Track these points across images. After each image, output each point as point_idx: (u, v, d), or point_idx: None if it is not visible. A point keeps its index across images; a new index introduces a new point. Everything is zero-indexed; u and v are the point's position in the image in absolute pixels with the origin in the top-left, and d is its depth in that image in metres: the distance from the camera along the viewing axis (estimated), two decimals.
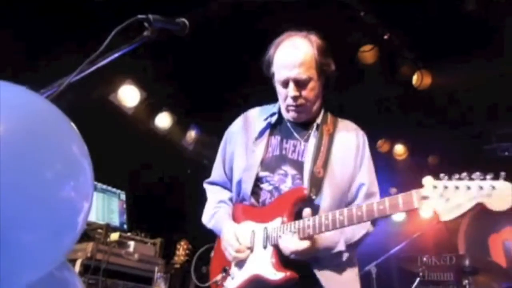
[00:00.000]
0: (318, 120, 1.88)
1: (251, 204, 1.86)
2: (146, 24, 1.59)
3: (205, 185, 2.11)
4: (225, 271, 1.86)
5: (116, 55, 1.70)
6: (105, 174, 3.60)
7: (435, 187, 1.43)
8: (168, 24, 1.64)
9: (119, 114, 4.03)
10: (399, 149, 5.55)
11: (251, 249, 1.78)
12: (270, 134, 1.90)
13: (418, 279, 4.16)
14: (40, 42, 3.17)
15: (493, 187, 1.33)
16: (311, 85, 1.78)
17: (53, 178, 0.84)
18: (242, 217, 1.87)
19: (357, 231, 1.75)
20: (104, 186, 3.60)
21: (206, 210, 2.01)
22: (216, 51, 3.79)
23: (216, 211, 1.95)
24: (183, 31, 1.67)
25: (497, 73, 4.27)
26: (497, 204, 1.32)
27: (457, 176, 1.41)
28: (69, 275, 1.12)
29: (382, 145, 5.35)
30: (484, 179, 1.36)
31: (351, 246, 1.75)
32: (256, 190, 1.84)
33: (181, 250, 3.62)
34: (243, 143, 1.93)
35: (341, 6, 3.47)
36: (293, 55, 1.77)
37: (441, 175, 1.45)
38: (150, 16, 1.57)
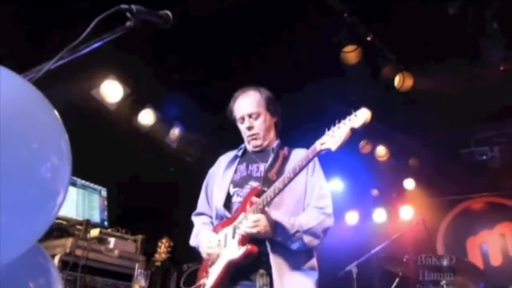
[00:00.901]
0: (274, 145, 2.32)
1: (225, 217, 2.21)
2: (128, 15, 1.58)
3: (193, 217, 2.48)
4: (207, 274, 2.13)
5: (97, 44, 1.69)
6: (86, 170, 3.55)
7: (327, 135, 1.91)
8: (151, 16, 1.64)
9: (102, 109, 3.98)
10: (381, 151, 5.63)
11: (223, 244, 2.10)
12: (238, 163, 2.35)
13: (397, 279, 4.23)
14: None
15: (356, 115, 1.83)
16: (261, 118, 2.29)
17: (29, 158, 0.83)
18: (218, 229, 2.22)
19: (311, 219, 2.07)
20: (85, 182, 3.55)
21: (192, 233, 2.38)
22: (203, 47, 3.79)
23: (199, 231, 2.34)
24: (166, 23, 1.67)
25: (476, 78, 4.37)
26: (359, 120, 1.80)
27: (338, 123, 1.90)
28: (44, 262, 1.10)
29: (364, 146, 5.42)
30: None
31: (307, 232, 2.03)
32: (228, 204, 2.23)
33: (163, 248, 3.59)
34: (219, 175, 2.38)
35: (325, 7, 3.52)
36: (246, 99, 2.32)
37: None
38: (133, 7, 1.56)
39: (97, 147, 3.79)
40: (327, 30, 3.74)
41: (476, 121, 5.02)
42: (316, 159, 2.23)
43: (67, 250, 2.81)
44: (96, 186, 3.63)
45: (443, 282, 3.97)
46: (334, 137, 1.86)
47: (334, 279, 4.31)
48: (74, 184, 3.45)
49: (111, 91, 3.92)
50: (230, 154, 2.47)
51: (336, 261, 4.65)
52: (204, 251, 2.17)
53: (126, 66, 3.97)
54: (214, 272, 2.08)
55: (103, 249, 3.08)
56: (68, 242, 2.85)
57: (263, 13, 3.53)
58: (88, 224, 2.96)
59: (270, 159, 2.27)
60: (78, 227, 3.03)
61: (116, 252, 3.13)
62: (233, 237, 2.08)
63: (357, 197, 6.10)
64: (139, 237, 3.42)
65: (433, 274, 4.07)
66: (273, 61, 3.94)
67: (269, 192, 2.00)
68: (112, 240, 3.18)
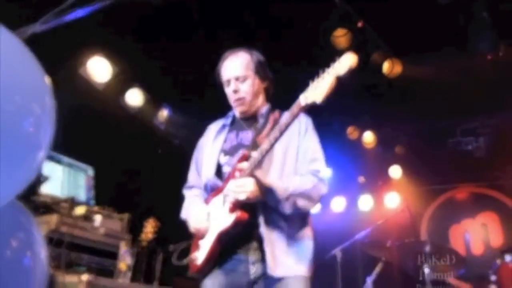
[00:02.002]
0: (263, 110, 2.19)
1: (215, 186, 2.09)
2: None
3: (183, 191, 2.37)
4: (199, 248, 2.04)
5: (84, 11, 1.67)
6: (72, 149, 3.53)
7: (312, 87, 1.76)
8: None
9: (89, 88, 3.94)
10: (368, 137, 5.67)
11: (213, 215, 2.01)
12: (228, 132, 2.22)
13: (380, 264, 4.30)
14: None
15: (340, 61, 1.71)
16: (249, 82, 2.14)
17: (12, 111, 0.82)
18: (209, 200, 2.11)
19: (305, 182, 1.97)
20: (71, 161, 3.53)
21: (183, 207, 2.26)
22: (194, 27, 3.75)
23: (189, 204, 2.23)
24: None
25: (464, 68, 4.42)
26: (343, 65, 1.69)
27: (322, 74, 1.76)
28: (25, 221, 1.10)
29: (352, 132, 5.46)
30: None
31: (300, 195, 1.93)
32: (219, 174, 2.11)
33: (149, 228, 3.60)
34: (207, 146, 2.25)
35: None
36: (234, 61, 2.17)
37: None
38: None
39: (84, 125, 3.76)
40: (317, 14, 3.74)
41: (463, 111, 5.08)
42: (310, 121, 2.17)
43: (52, 227, 2.80)
44: (82, 165, 3.61)
45: (425, 267, 4.05)
46: (318, 89, 1.73)
47: (318, 263, 4.37)
48: (59, 162, 3.42)
49: (99, 69, 3.88)
50: (219, 123, 2.33)
51: (321, 246, 4.68)
52: (191, 226, 2.09)
53: (114, 45, 3.92)
54: (206, 245, 2.00)
55: (89, 227, 3.08)
56: (53, 218, 2.84)
57: None
58: (73, 202, 2.94)
59: (259, 125, 2.14)
60: (63, 204, 3.01)
61: (101, 230, 3.13)
62: (223, 205, 1.99)
63: (343, 184, 6.15)
64: (125, 216, 3.42)
65: (415, 259, 4.15)
66: (262, 44, 3.93)
67: (256, 154, 1.89)
68: (98, 218, 3.17)
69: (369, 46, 4.12)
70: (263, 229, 1.90)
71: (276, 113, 2.13)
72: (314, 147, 2.10)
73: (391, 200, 6.10)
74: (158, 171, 4.60)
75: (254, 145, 2.00)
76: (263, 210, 1.93)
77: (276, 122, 2.05)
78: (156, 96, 4.53)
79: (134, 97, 4.32)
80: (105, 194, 3.83)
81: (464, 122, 5.56)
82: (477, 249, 5.80)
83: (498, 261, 3.93)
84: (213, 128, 2.33)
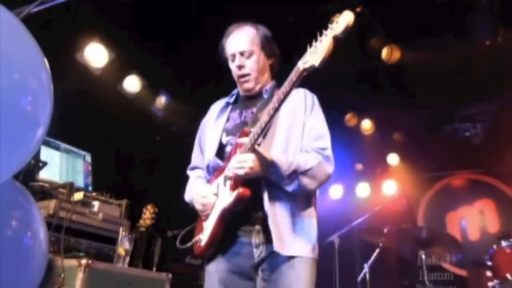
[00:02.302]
0: (267, 86, 2.11)
1: (217, 167, 2.03)
2: None
3: (187, 172, 2.32)
4: (203, 230, 2.00)
5: None
6: (71, 135, 3.53)
7: (310, 52, 1.67)
8: None
9: (86, 74, 3.91)
10: (366, 124, 5.67)
11: (217, 198, 1.95)
12: (231, 111, 2.15)
13: (378, 250, 4.35)
14: None
15: (337, 21, 1.64)
16: (254, 57, 2.06)
17: (10, 87, 0.82)
18: (212, 182, 2.06)
19: (310, 159, 1.88)
20: (69, 147, 3.51)
21: (186, 189, 2.22)
22: (189, 13, 3.72)
23: (193, 185, 2.18)
24: None
25: (463, 54, 4.40)
26: (340, 26, 1.62)
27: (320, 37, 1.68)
28: (23, 200, 1.10)
29: (350, 119, 5.46)
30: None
31: (305, 173, 1.85)
32: (221, 154, 2.04)
33: (147, 214, 3.61)
34: (210, 125, 2.19)
35: None
36: (240, 35, 2.09)
37: None
38: None
39: (81, 111, 3.75)
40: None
41: (461, 97, 5.08)
42: (316, 98, 2.09)
43: (50, 212, 2.80)
44: (80, 151, 3.60)
45: (421, 253, 4.09)
46: (316, 52, 1.64)
47: None
48: (57, 148, 3.41)
49: (96, 55, 3.85)
50: (222, 101, 2.25)
51: (319, 233, 4.73)
52: (198, 203, 2.01)
53: (111, 31, 3.89)
54: (209, 226, 1.95)
55: (87, 212, 3.08)
56: (52, 203, 2.84)
57: None
58: (72, 187, 2.94)
59: (263, 101, 2.04)
60: (61, 190, 3.01)
61: (100, 215, 3.13)
62: (225, 184, 1.92)
63: (341, 171, 6.13)
64: (124, 202, 3.42)
65: (411, 245, 4.19)
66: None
67: (256, 128, 1.81)
68: (96, 204, 3.18)
69: (367, 31, 4.10)
70: (267, 207, 1.83)
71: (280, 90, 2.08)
72: (320, 124, 2.02)
73: (388, 187, 6.13)
74: (156, 157, 4.61)
75: (255, 120, 1.92)
76: (267, 187, 1.86)
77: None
78: (153, 82, 4.51)
79: (132, 84, 4.30)
80: (103, 181, 3.83)
81: (462, 108, 5.56)
82: (474, 235, 5.85)
83: (495, 247, 3.96)
84: (216, 107, 2.26)
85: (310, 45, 1.67)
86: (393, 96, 5.10)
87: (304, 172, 1.84)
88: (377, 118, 5.69)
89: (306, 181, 1.85)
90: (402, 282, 4.96)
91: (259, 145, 1.85)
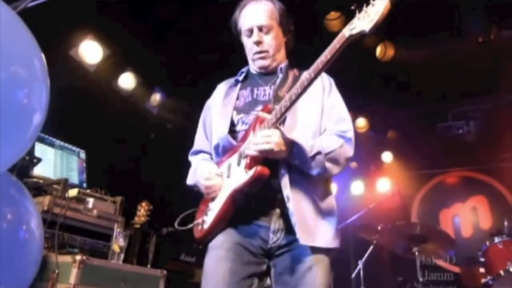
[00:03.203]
0: (282, 65, 1.98)
1: (229, 146, 1.88)
2: None
3: (190, 157, 2.15)
4: (206, 212, 1.83)
5: None
6: (65, 132, 3.52)
7: (358, 18, 1.54)
8: None
9: (81, 70, 3.90)
10: (360, 122, 5.71)
11: (226, 175, 1.80)
12: (241, 89, 2.00)
13: (372, 246, 4.37)
14: None
15: None
16: (273, 33, 1.94)
17: (7, 79, 0.82)
18: (220, 163, 1.90)
19: (332, 142, 1.77)
20: (63, 143, 3.51)
21: (190, 172, 2.05)
22: (188, 9, 3.71)
23: (197, 166, 2.00)
24: None
25: (456, 51, 4.44)
26: None
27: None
28: (16, 194, 1.10)
29: None
30: None
31: (328, 156, 1.72)
32: (232, 134, 1.88)
33: (142, 211, 3.61)
34: (217, 104, 2.02)
35: None
36: (257, 8, 1.96)
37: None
38: None
39: (76, 108, 3.74)
40: None
41: (454, 95, 5.12)
42: (332, 80, 1.97)
43: (45, 208, 2.79)
44: (74, 148, 3.59)
45: (415, 249, 4.12)
46: (367, 16, 1.49)
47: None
48: (52, 145, 3.41)
49: (90, 51, 3.84)
50: (230, 81, 2.10)
51: None
52: (203, 184, 1.82)
53: (106, 27, 3.88)
54: (215, 207, 1.77)
55: (82, 208, 3.08)
56: (46, 199, 2.83)
57: None
58: (66, 183, 2.93)
59: (278, 80, 1.93)
60: (56, 186, 3.01)
61: (94, 211, 3.13)
62: (239, 163, 1.75)
63: None
64: (118, 199, 3.42)
65: (405, 242, 4.21)
66: None
67: (283, 102, 1.65)
68: (90, 200, 3.17)
69: None
70: (288, 192, 1.68)
71: (296, 70, 1.97)
72: (340, 106, 1.91)
73: (382, 184, 6.17)
74: (151, 155, 4.60)
75: (277, 98, 1.81)
76: (288, 170, 1.71)
77: (295, 78, 1.87)
78: (148, 79, 4.50)
79: (127, 80, 4.29)
80: (98, 177, 3.83)
81: (455, 106, 5.60)
82: (467, 232, 5.91)
83: (487, 243, 4.00)
84: (223, 86, 2.11)
85: (359, 10, 1.53)
86: (387, 94, 5.12)
87: (327, 155, 1.71)
88: (371, 116, 5.72)
89: (329, 165, 1.72)
90: (396, 279, 4.99)
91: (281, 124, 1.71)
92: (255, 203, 1.73)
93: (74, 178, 3.49)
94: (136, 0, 3.69)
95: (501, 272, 3.67)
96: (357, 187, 6.39)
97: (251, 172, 1.65)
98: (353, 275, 4.36)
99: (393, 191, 5.58)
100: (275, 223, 1.72)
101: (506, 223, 4.05)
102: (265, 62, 1.96)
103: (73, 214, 2.99)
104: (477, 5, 3.68)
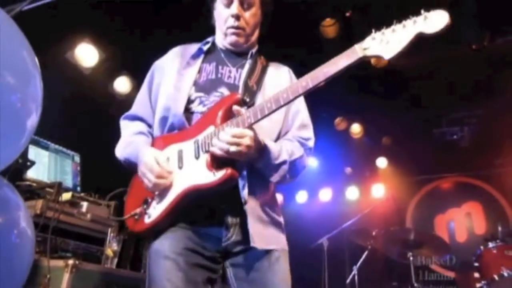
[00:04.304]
0: (253, 50, 1.84)
1: (179, 128, 1.68)
2: None
3: (122, 121, 1.90)
4: (146, 202, 1.63)
5: None
6: (60, 135, 3.51)
7: (373, 38, 1.44)
8: None
9: (77, 74, 3.90)
10: (355, 128, 5.73)
11: (180, 167, 1.60)
12: (204, 61, 1.80)
13: (366, 252, 4.38)
14: None
15: (426, 17, 1.38)
16: (253, 10, 1.78)
17: (1, 83, 0.82)
18: (164, 145, 1.67)
19: (295, 150, 1.69)
20: (58, 147, 3.49)
21: (119, 143, 1.82)
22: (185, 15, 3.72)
23: (132, 140, 1.76)
24: None
25: (450, 58, 4.47)
26: (433, 26, 1.36)
27: (391, 26, 1.44)
28: (11, 194, 1.10)
29: (340, 123, 5.50)
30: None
31: (291, 165, 1.65)
32: (187, 114, 1.68)
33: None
34: (172, 70, 1.78)
35: None
36: None
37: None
38: None
39: (73, 112, 3.73)
40: (306, 3, 3.74)
41: (449, 101, 5.15)
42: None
43: (37, 211, 2.77)
44: (69, 151, 3.58)
45: (409, 255, 4.12)
46: (387, 43, 1.38)
47: (305, 251, 4.44)
48: (46, 148, 3.39)
49: (86, 55, 3.85)
50: (191, 47, 1.86)
51: (309, 235, 4.78)
52: (152, 180, 1.56)
53: (102, 31, 3.88)
54: (165, 201, 1.57)
55: (75, 212, 3.05)
56: (39, 203, 2.80)
57: None
58: (60, 186, 2.92)
59: (247, 65, 1.78)
60: (49, 190, 2.99)
61: (88, 215, 3.11)
62: (197, 156, 1.57)
63: (331, 174, 6.22)
64: (112, 203, 3.40)
65: (399, 247, 4.22)
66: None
67: (267, 103, 1.49)
68: (84, 204, 3.15)
69: (356, 36, 4.14)
70: (245, 193, 1.57)
71: (263, 59, 1.86)
72: (305, 110, 1.81)
73: (377, 190, 6.19)
74: None
75: (247, 88, 1.67)
76: (248, 172, 1.59)
77: (264, 68, 1.78)
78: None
79: (122, 84, 4.29)
80: (93, 181, 3.81)
81: (450, 112, 5.64)
82: (461, 237, 5.93)
83: (482, 248, 4.02)
84: (181, 50, 1.86)
85: (375, 29, 1.43)
86: (382, 100, 5.15)
87: (290, 164, 1.64)
88: (366, 122, 5.75)
89: (289, 175, 1.65)
90: (391, 284, 4.99)
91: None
92: (207, 200, 1.58)
93: (68, 182, 3.47)
94: (133, 4, 3.69)
95: (495, 276, 3.67)
96: (352, 193, 6.40)
97: (220, 175, 1.49)
98: (348, 280, 4.35)
99: (388, 197, 5.59)
100: (228, 219, 1.60)
101: (500, 228, 4.07)
102: (238, 40, 1.78)
103: (67, 218, 2.96)
104: (471, 12, 3.71)
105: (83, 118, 3.91)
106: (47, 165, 3.33)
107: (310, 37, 3.82)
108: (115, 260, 3.19)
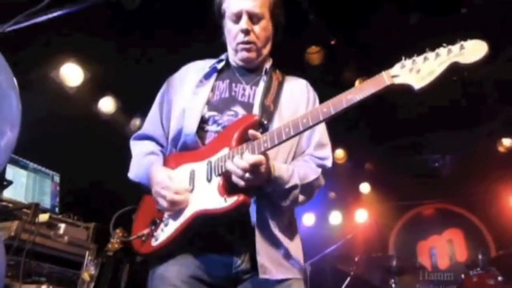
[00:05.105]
0: (267, 65, 1.79)
1: (192, 147, 1.63)
2: None
3: (133, 141, 1.87)
4: (155, 223, 1.59)
5: (56, 13, 1.66)
6: (40, 154, 3.44)
7: (403, 66, 1.35)
8: None
9: (60, 93, 3.87)
10: (339, 153, 5.78)
11: (191, 190, 1.55)
12: (217, 79, 1.76)
13: (349, 278, 4.34)
14: None
15: (462, 46, 1.28)
16: (263, 23, 1.71)
17: None
18: (176, 164, 1.63)
19: (310, 172, 1.61)
20: (37, 166, 3.42)
21: (131, 165, 1.79)
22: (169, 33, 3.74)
23: (143, 161, 1.72)
24: (132, 3, 1.65)
25: (433, 87, 4.58)
26: (470, 57, 1.27)
27: (423, 54, 1.35)
28: None
29: None
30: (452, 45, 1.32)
31: (304, 188, 1.57)
32: (200, 133, 1.63)
33: (116, 238, 3.52)
34: (185, 88, 1.75)
35: (292, 6, 3.59)
36: None
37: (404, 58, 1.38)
38: None
39: (53, 130, 3.68)
40: (291, 29, 3.81)
41: (430, 128, 5.25)
42: (317, 97, 1.77)
43: (12, 233, 2.69)
44: (48, 171, 3.51)
45: (391, 282, 4.11)
46: (418, 72, 1.31)
47: None
48: (25, 167, 3.32)
49: (71, 74, 3.83)
50: (205, 64, 1.82)
51: None
52: (169, 197, 1.51)
53: (88, 50, 3.88)
54: (174, 223, 1.53)
55: (52, 235, 2.97)
56: (14, 225, 2.73)
57: None
58: (37, 208, 2.84)
59: (262, 82, 1.72)
60: (26, 210, 2.91)
61: (65, 238, 3.03)
62: (209, 179, 1.52)
63: (314, 199, 6.20)
64: (92, 225, 3.33)
65: (382, 274, 4.21)
66: None
67: (286, 128, 1.41)
68: (62, 226, 3.08)
69: (340, 64, 4.23)
70: (255, 219, 1.51)
71: (278, 73, 1.79)
72: (323, 128, 1.72)
73: (360, 215, 6.20)
74: (127, 181, 4.51)
75: (264, 108, 1.61)
76: (258, 196, 1.53)
77: (280, 84, 1.72)
78: (129, 104, 4.48)
79: (107, 104, 4.27)
80: (73, 203, 3.73)
81: (432, 140, 5.74)
82: (443, 263, 5.95)
83: (463, 276, 4.03)
84: (195, 69, 1.82)
85: (405, 56, 1.36)
86: (365, 127, 5.22)
87: (303, 187, 1.56)
88: (349, 147, 5.81)
89: (302, 198, 1.58)
90: None
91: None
92: (217, 226, 1.53)
93: (46, 202, 3.39)
94: (119, 24, 3.71)
95: None
96: (335, 217, 6.40)
97: (231, 201, 1.43)
98: None
99: (371, 222, 5.61)
100: (238, 246, 1.53)
101: (480, 256, 4.10)
102: (250, 55, 1.72)
103: (43, 241, 2.88)
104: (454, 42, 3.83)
105: (66, 138, 3.85)
106: (24, 185, 3.26)
107: (294, 64, 3.88)
108: (92, 285, 3.10)
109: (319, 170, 1.64)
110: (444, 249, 6.03)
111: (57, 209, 3.44)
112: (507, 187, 5.47)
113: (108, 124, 4.35)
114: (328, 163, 1.69)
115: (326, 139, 1.74)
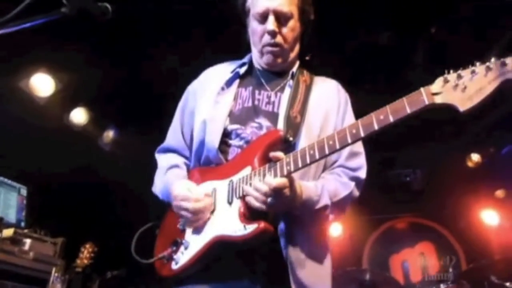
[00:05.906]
0: (294, 69, 1.65)
1: (217, 164, 1.53)
2: (64, 0, 1.53)
3: (157, 155, 1.77)
4: (176, 244, 1.50)
5: (26, 24, 1.62)
6: (8, 166, 3.33)
7: (446, 81, 1.15)
8: (88, 5, 1.59)
9: (31, 103, 3.76)
10: None
11: (212, 210, 1.46)
12: (239, 86, 1.64)
13: None
14: None
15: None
16: (291, 23, 1.57)
17: None
18: (200, 180, 1.54)
19: (341, 188, 1.49)
20: (2, 179, 3.30)
21: (156, 178, 1.69)
22: (144, 45, 3.71)
23: (164, 177, 1.63)
24: (104, 16, 1.60)
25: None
26: None
27: (470, 67, 1.15)
28: None
29: None
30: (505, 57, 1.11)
31: (335, 206, 1.46)
32: (223, 147, 1.53)
33: (85, 253, 3.42)
34: (206, 97, 1.64)
35: None
36: None
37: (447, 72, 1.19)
38: None
39: (22, 142, 3.57)
40: None
41: (401, 143, 5.36)
42: (348, 99, 1.65)
43: None
44: (15, 184, 3.40)
45: None
46: (464, 90, 1.11)
47: None
48: None
49: (42, 84, 3.73)
50: (227, 69, 1.69)
51: None
52: (191, 207, 1.43)
53: (60, 61, 3.80)
54: (194, 246, 1.44)
55: (16, 251, 2.86)
56: None
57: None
58: (1, 222, 2.74)
59: (287, 88, 1.58)
60: None
61: (31, 254, 2.93)
62: (230, 201, 1.42)
63: None
64: (59, 240, 3.23)
65: (356, 287, 4.22)
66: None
67: (311, 151, 1.30)
68: (28, 242, 2.97)
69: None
70: (284, 243, 1.40)
71: (305, 74, 1.65)
72: None
73: (334, 228, 6.24)
74: (100, 193, 4.42)
75: (289, 121, 1.48)
76: (285, 219, 1.42)
77: (307, 88, 1.57)
78: (102, 115, 4.40)
79: (79, 116, 4.18)
80: (41, 217, 3.61)
81: (402, 154, 5.86)
82: (416, 277, 6.02)
83: None
84: (217, 73, 1.71)
85: (448, 70, 1.17)
86: None
87: (333, 206, 1.45)
88: None
89: (331, 216, 1.47)
90: None
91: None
92: (240, 252, 1.42)
93: (12, 216, 3.27)
94: (92, 35, 3.66)
95: None
96: None
97: (251, 229, 1.32)
98: None
99: (345, 236, 5.64)
100: (264, 274, 1.41)
101: (451, 270, 4.17)
102: (276, 60, 1.60)
103: (6, 257, 2.78)
104: (423, 58, 3.96)
105: (36, 149, 3.74)
106: None
107: None
108: None
109: (352, 184, 1.53)
110: (416, 262, 6.11)
111: (23, 224, 3.32)
112: (476, 200, 5.61)
113: (80, 135, 4.26)
114: (362, 174, 1.57)
115: (359, 146, 1.60)
